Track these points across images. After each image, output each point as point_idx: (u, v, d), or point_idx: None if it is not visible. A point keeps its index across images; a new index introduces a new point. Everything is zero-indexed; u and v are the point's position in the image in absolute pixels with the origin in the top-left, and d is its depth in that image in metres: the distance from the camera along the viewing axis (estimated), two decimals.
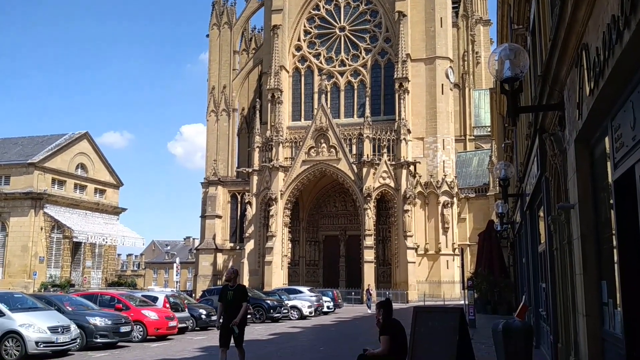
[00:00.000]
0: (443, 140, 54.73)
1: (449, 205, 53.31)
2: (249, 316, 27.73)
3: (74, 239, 46.56)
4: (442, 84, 55.16)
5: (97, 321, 16.83)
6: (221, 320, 11.24)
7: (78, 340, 15.67)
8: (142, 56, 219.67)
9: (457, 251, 52.25)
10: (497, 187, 37.40)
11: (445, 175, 53.75)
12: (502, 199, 19.37)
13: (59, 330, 14.95)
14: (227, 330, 10.96)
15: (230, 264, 58.89)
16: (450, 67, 56.82)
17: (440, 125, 54.70)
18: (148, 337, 19.30)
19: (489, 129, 55.77)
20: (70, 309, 17.23)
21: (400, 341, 8.05)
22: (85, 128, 56.71)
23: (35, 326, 14.53)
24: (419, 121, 54.76)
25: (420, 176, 53.67)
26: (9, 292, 18.63)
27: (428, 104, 55.01)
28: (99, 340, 16.61)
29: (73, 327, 15.53)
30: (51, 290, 38.54)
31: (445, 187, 53.36)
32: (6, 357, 14.14)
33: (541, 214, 13.21)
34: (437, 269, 52.53)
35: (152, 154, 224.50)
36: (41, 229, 45.37)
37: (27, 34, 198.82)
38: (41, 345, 14.42)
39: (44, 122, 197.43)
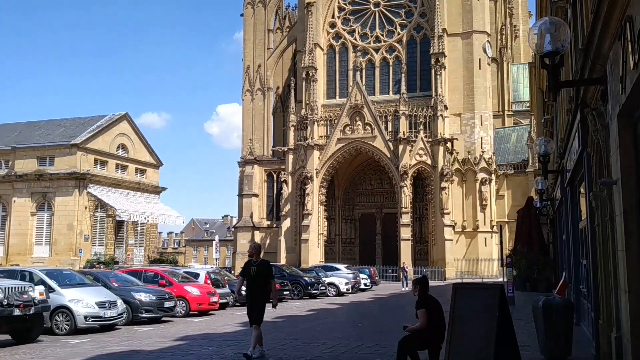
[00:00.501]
0: (481, 116, 53.94)
1: (487, 182, 52.70)
2: (286, 292, 28.35)
3: (117, 218, 47.75)
4: (480, 59, 54.19)
5: (142, 297, 17.37)
6: (243, 292, 11.12)
7: (124, 315, 16.23)
8: (178, 37, 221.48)
9: (495, 228, 51.79)
10: (537, 164, 36.81)
11: (483, 152, 53.08)
12: (542, 176, 19.11)
13: (106, 305, 15.51)
14: (254, 307, 10.63)
15: (268, 241, 59.67)
16: (488, 41, 55.71)
17: (477, 100, 53.87)
18: (190, 312, 19.84)
19: (528, 104, 54.62)
20: (116, 285, 17.81)
21: (436, 317, 8.16)
22: (124, 109, 58.00)
23: (83, 301, 15.10)
24: (456, 97, 54.03)
25: (457, 153, 53.12)
26: (58, 269, 19.34)
27: (465, 80, 54.17)
28: (144, 315, 17.16)
29: (119, 302, 16.08)
30: (96, 267, 39.77)
31: (483, 164, 52.71)
32: (57, 331, 14.77)
33: (582, 190, 13.03)
34: (474, 247, 52.19)
35: (189, 134, 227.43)
36: (85, 208, 46.66)
37: (67, 20, 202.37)
38: (90, 320, 15.00)
39: (85, 104, 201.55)
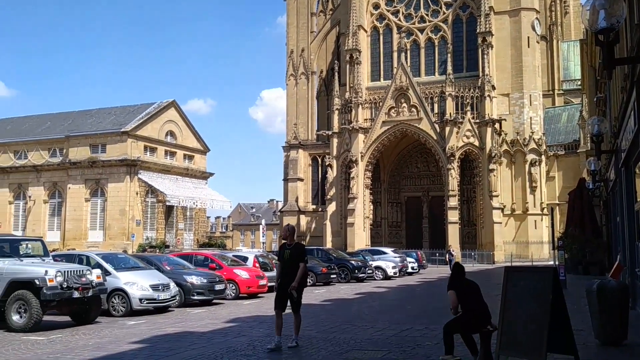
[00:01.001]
0: (530, 95, 52.64)
1: (537, 164, 51.55)
2: (333, 276, 28.53)
3: (167, 203, 48.88)
4: (528, 37, 52.74)
5: (194, 279, 17.80)
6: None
7: (177, 298, 16.68)
8: (221, 23, 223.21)
9: (545, 211, 50.71)
10: (589, 144, 35.70)
11: (532, 133, 51.89)
12: (595, 156, 18.59)
13: (160, 288, 15.97)
14: (284, 292, 10.04)
15: (313, 225, 60.05)
16: (537, 18, 54.12)
17: (526, 80, 52.56)
18: (240, 295, 20.23)
19: (579, 83, 52.97)
20: (168, 268, 18.30)
21: (472, 299, 8.10)
22: (171, 96, 58.90)
23: (138, 284, 15.60)
24: (504, 76, 52.84)
25: (506, 134, 52.08)
26: (113, 253, 19.99)
27: (513, 59, 52.86)
28: (195, 297, 17.60)
29: (172, 285, 16.53)
30: (148, 251, 40.89)
31: (532, 145, 51.55)
32: (114, 312, 15.32)
33: (638, 170, 12.63)
34: (524, 229, 51.27)
35: (234, 119, 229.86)
36: (136, 193, 47.93)
37: (115, 11, 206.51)
38: (144, 302, 15.49)
39: (134, 92, 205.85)
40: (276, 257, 33.15)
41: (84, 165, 49.13)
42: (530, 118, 52.41)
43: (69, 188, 49.56)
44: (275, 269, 24.90)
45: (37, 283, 12.47)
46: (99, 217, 49.05)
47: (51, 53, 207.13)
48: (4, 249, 13.70)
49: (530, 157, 51.46)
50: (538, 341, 6.97)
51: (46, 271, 12.70)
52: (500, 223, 49.08)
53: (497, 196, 48.93)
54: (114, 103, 68.45)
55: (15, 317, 12.51)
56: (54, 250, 35.22)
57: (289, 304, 10.12)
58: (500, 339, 7.50)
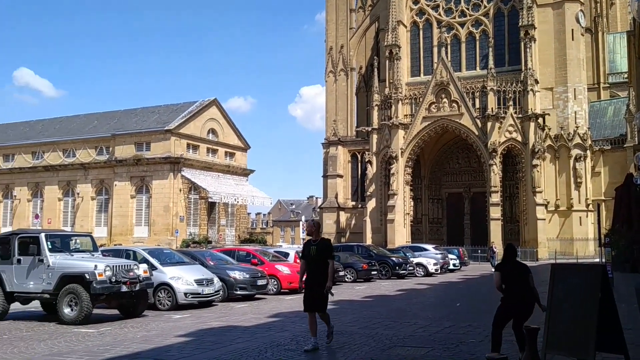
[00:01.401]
0: (574, 89, 51.38)
1: (582, 159, 50.33)
2: (373, 272, 28.50)
3: (209, 199, 49.64)
4: (572, 29, 51.44)
5: (237, 275, 18.07)
6: (304, 280, 9.73)
7: (221, 292, 16.98)
8: (261, 22, 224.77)
9: (591, 207, 49.49)
10: (636, 138, 34.74)
11: (577, 127, 50.67)
12: None
13: (204, 282, 16.27)
14: (313, 291, 9.40)
15: (353, 222, 60.04)
16: (581, 10, 52.72)
17: (570, 73, 51.31)
18: (282, 290, 20.43)
19: (626, 76, 51.44)
20: (212, 264, 18.62)
21: (517, 284, 7.91)
22: (212, 94, 59.57)
23: (183, 279, 15.93)
24: (548, 70, 51.71)
25: (549, 129, 50.99)
26: (159, 248, 20.45)
27: (557, 52, 51.68)
28: (238, 292, 17.88)
29: (216, 280, 16.83)
30: (191, 246, 41.65)
31: (577, 140, 50.35)
32: (160, 306, 15.69)
33: None
34: (568, 226, 50.15)
35: (274, 116, 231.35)
36: (180, 190, 48.82)
37: (155, 10, 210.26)
38: (189, 297, 15.81)
39: (177, 91, 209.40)
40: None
41: (129, 163, 50.27)
42: (575, 112, 51.19)
43: (115, 185, 50.80)
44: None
45: (87, 277, 12.87)
46: (144, 213, 50.12)
47: (97, 55, 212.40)
48: (55, 245, 14.17)
49: (575, 152, 50.29)
50: (586, 339, 6.86)
51: (95, 266, 13.11)
52: (544, 219, 48.13)
53: (540, 192, 47.98)
54: (158, 102, 69.82)
55: (66, 310, 12.95)
56: (101, 246, 36.25)
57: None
58: (547, 337, 7.41)
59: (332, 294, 9.67)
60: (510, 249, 8.47)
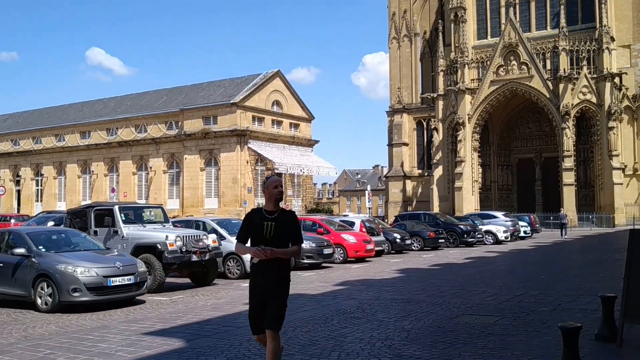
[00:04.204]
0: None
1: None
2: (441, 240, 27.90)
3: (275, 171, 50.18)
4: None
5: (304, 244, 18.22)
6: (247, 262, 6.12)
7: None
8: None
9: None
10: None
11: None
12: None
13: None
14: (261, 302, 5.33)
15: (420, 190, 59.36)
16: None
17: None
18: (348, 259, 20.51)
19: None
20: None
21: None
22: (276, 66, 59.73)
23: None
24: (624, 26, 48.71)
25: (627, 88, 48.26)
26: (227, 219, 20.90)
27: (635, 6, 48.57)
28: (305, 261, 18.08)
29: None
30: None
31: None
32: (229, 275, 16.09)
33: None
34: None
35: (337, 86, 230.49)
36: (247, 162, 49.61)
37: None
38: None
39: (242, 64, 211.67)
40: (383, 221, 32.75)
41: (197, 136, 51.38)
42: None
43: (185, 159, 52.16)
44: (387, 233, 24.72)
45: (159, 247, 13.32)
46: (214, 185, 51.31)
47: (164, 33, 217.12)
48: (129, 216, 14.72)
49: None
50: None
51: (167, 236, 13.53)
52: (621, 184, 45.91)
53: (617, 156, 45.72)
54: (224, 76, 70.77)
55: None
56: (174, 217, 37.43)
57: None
58: (625, 305, 7.05)
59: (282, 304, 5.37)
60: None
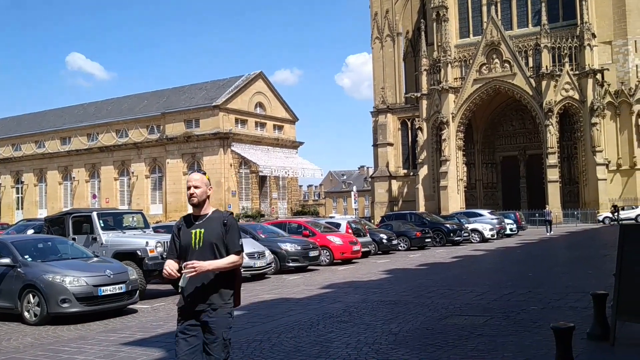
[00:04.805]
0: (635, 41, 48.73)
1: None
2: (427, 240, 27.81)
3: (260, 173, 49.85)
4: None
5: (288, 247, 17.97)
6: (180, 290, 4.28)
7: (273, 265, 16.90)
8: None
9: None
10: None
11: (639, 81, 48.11)
12: None
13: (256, 255, 16.20)
14: (195, 329, 4.19)
15: (405, 190, 59.30)
16: None
17: (631, 24, 48.61)
18: (334, 261, 20.24)
19: None
20: (263, 237, 18.57)
21: None
22: (258, 68, 59.04)
23: None
24: (605, 23, 49.09)
25: (609, 85, 48.61)
26: None
27: (615, 3, 49.01)
28: (290, 264, 17.78)
29: (267, 252, 16.75)
30: (243, 220, 41.99)
31: (639, 95, 47.82)
32: None
33: None
34: (632, 186, 48.06)
35: (321, 87, 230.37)
36: (230, 165, 49.17)
37: None
38: (242, 270, 15.75)
39: (223, 66, 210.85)
40: (369, 222, 32.59)
41: (180, 140, 50.87)
42: (636, 65, 48.63)
43: (168, 163, 51.61)
44: (373, 234, 24.45)
45: (139, 254, 12.95)
46: None
47: (144, 37, 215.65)
48: (108, 222, 14.33)
49: (637, 107, 47.90)
50: None
51: (147, 242, 13.17)
52: (605, 180, 46.21)
53: (601, 151, 46.01)
54: (207, 79, 70.10)
55: None
56: (157, 222, 36.95)
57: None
58: (617, 302, 6.86)
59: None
60: None
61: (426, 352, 6.99)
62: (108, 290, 10.53)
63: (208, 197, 4.52)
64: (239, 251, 4.34)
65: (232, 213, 5.14)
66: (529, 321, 8.64)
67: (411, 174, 58.03)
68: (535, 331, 7.89)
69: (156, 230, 16.02)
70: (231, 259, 4.27)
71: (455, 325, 8.53)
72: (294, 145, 56.71)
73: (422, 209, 49.21)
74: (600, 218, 44.41)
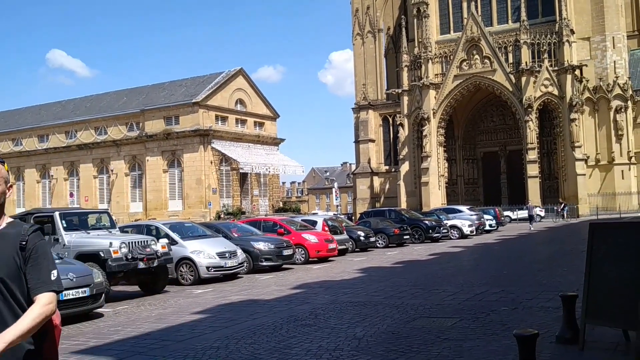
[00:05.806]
0: (613, 38, 48.92)
1: (623, 110, 48.21)
2: (406, 237, 27.63)
3: (241, 170, 49.26)
4: None
5: (261, 246, 17.60)
6: None
7: (245, 264, 16.52)
8: None
9: (633, 160, 47.55)
10: None
11: (616, 77, 48.40)
12: None
13: (227, 255, 15.82)
14: None
15: (387, 186, 59.17)
16: None
17: (608, 21, 48.80)
18: (310, 260, 19.91)
19: None
20: (236, 236, 18.18)
21: None
22: (241, 65, 58.43)
23: (205, 252, 15.49)
24: (583, 19, 49.27)
25: (587, 80, 48.82)
26: (180, 222, 20.10)
27: None
28: (264, 263, 17.42)
29: (239, 252, 16.36)
30: (225, 218, 41.48)
31: (617, 90, 48.14)
32: (182, 281, 15.32)
33: None
34: (610, 180, 48.36)
35: (304, 84, 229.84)
36: (211, 162, 48.57)
37: None
38: (212, 270, 15.38)
39: (205, 63, 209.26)
40: (347, 220, 32.26)
41: (159, 137, 50.15)
42: (614, 62, 48.84)
43: (147, 160, 50.87)
44: (350, 231, 23.99)
45: (102, 255, 12.49)
46: (177, 187, 50.12)
47: (125, 33, 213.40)
48: (73, 223, 13.85)
49: (615, 103, 48.13)
50: (633, 308, 6.02)
51: (110, 243, 12.72)
52: (584, 175, 46.44)
53: (579, 147, 46.20)
54: (188, 75, 69.33)
55: None
56: (136, 221, 36.29)
57: None
58: (587, 304, 6.59)
59: None
60: None
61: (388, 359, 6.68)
62: (70, 294, 10.06)
63: (4, 201, 2.66)
64: (53, 290, 2.64)
65: (40, 227, 2.82)
66: (498, 323, 8.37)
67: (393, 170, 57.90)
68: (503, 334, 7.61)
69: (123, 230, 15.55)
70: (36, 311, 2.49)
71: (422, 329, 8.23)
72: (275, 142, 56.24)
73: (403, 205, 49.08)
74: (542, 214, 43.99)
